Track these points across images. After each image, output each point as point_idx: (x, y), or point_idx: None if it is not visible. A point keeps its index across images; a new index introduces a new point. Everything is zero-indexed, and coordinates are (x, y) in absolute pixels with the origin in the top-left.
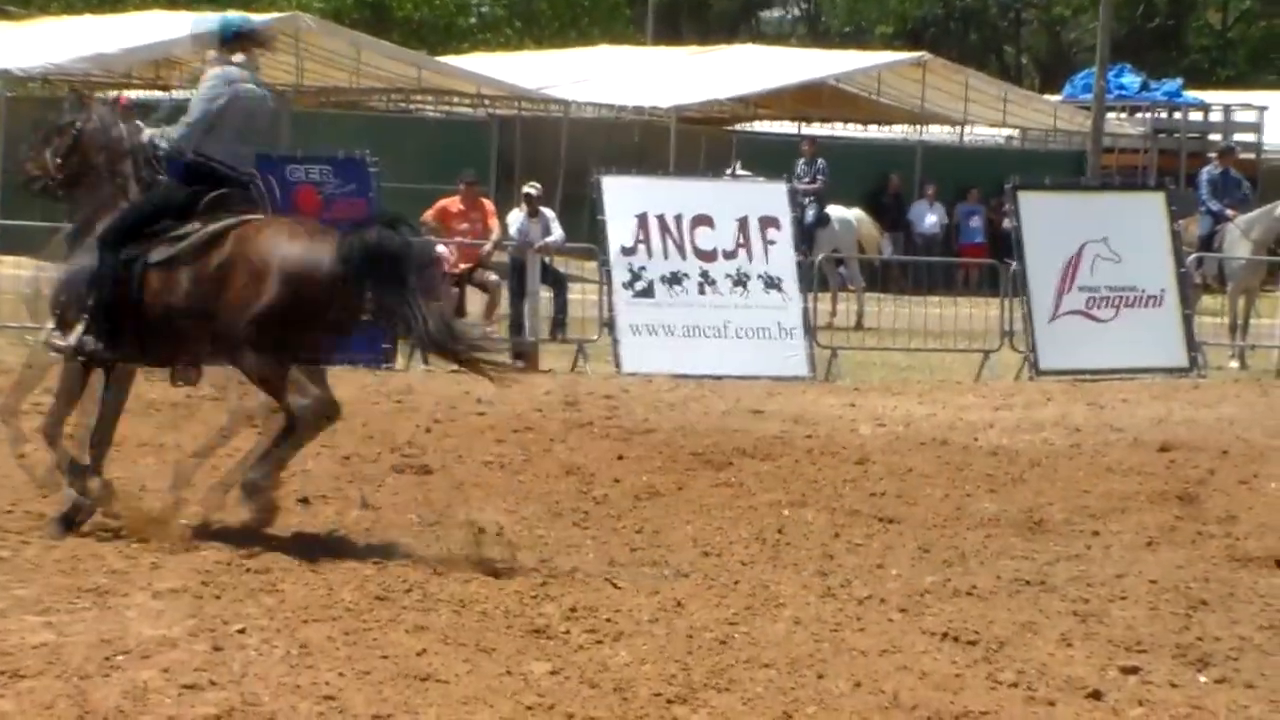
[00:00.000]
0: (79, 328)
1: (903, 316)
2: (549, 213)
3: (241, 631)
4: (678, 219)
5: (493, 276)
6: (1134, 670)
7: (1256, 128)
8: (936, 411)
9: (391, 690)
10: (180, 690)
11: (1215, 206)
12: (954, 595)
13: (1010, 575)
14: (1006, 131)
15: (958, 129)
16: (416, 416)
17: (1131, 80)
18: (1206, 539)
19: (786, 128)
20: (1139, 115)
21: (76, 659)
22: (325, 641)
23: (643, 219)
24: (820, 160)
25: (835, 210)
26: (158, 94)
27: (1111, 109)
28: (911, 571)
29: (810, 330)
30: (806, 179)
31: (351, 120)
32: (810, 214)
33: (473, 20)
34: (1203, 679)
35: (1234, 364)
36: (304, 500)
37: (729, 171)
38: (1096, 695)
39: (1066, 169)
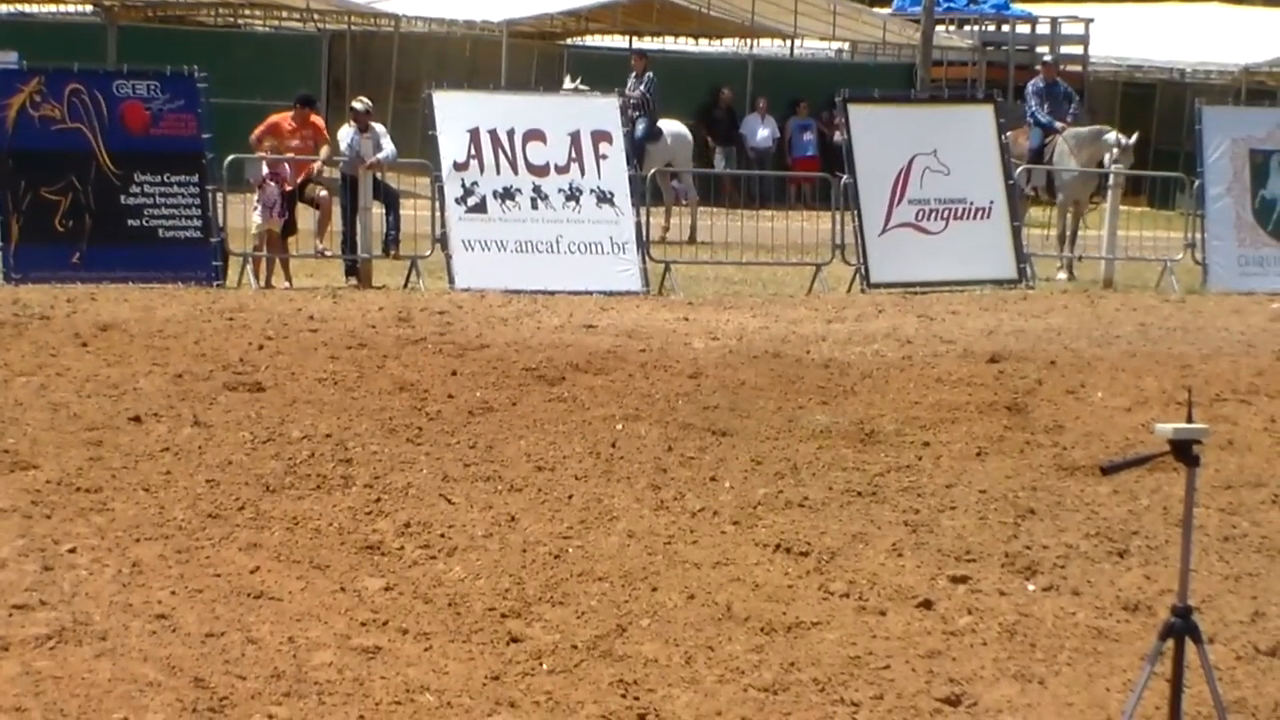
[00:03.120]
0: None
1: (735, 230)
2: (380, 128)
3: (72, 551)
4: (510, 134)
5: (324, 193)
6: (963, 579)
7: (1083, 40)
8: (769, 325)
9: (224, 608)
10: (10, 610)
11: (1044, 118)
12: (786, 507)
13: (842, 486)
14: (836, 45)
15: (788, 42)
16: (248, 334)
17: None
18: (1034, 449)
19: (618, 42)
20: (967, 28)
21: None
22: (157, 560)
23: (474, 134)
24: (650, 74)
25: (668, 124)
26: None
27: (940, 22)
28: (744, 484)
29: (643, 245)
30: (635, 93)
31: (179, 35)
32: (641, 128)
33: None
34: (1030, 587)
35: (1062, 275)
36: (135, 419)
37: (570, 86)
38: (927, 604)
39: (896, 82)
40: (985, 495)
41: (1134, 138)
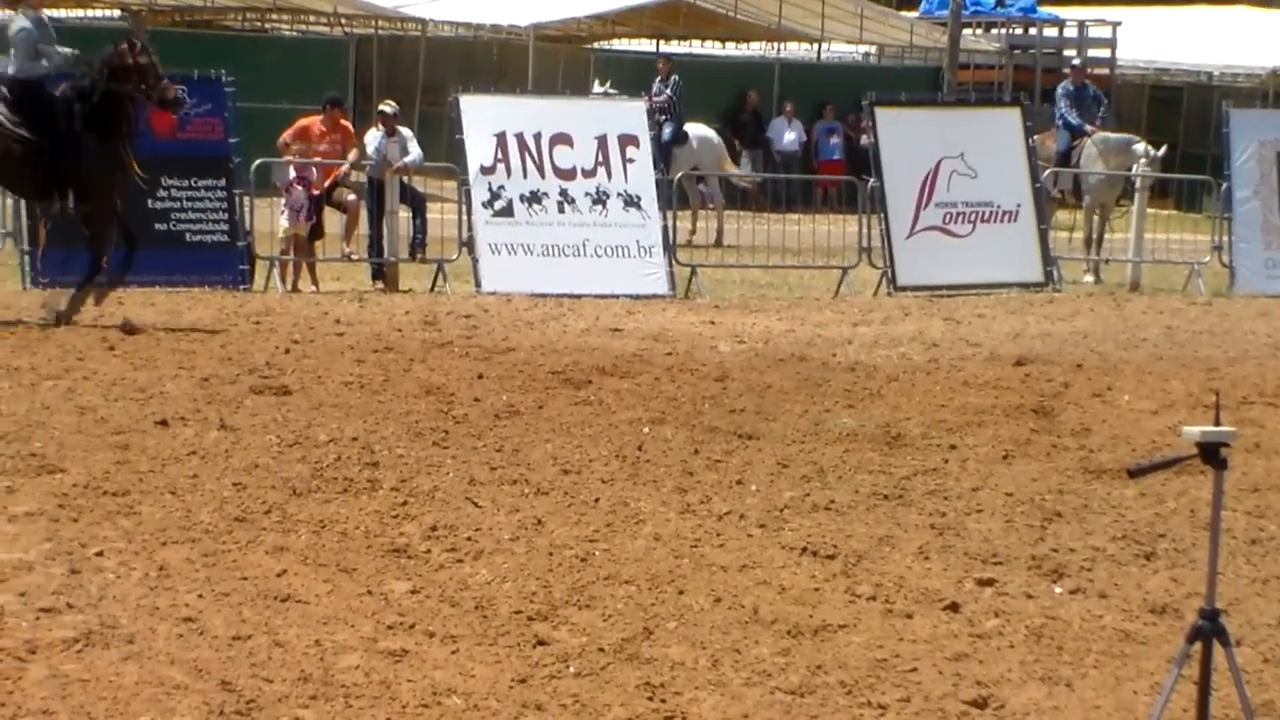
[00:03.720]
0: None
1: (761, 234)
2: (407, 132)
3: (99, 554)
4: (536, 137)
5: (351, 196)
6: (990, 582)
7: (1110, 43)
8: (795, 328)
9: (251, 611)
10: (37, 614)
11: (1074, 121)
12: (812, 510)
13: (868, 489)
14: (864, 48)
15: (815, 46)
16: (275, 337)
17: None
18: (1061, 451)
19: (645, 46)
20: (994, 31)
21: None
22: (184, 563)
23: (501, 138)
24: (675, 77)
25: (694, 128)
26: None
27: (967, 25)
28: (770, 487)
29: (670, 248)
30: (661, 97)
31: (206, 39)
32: (668, 131)
33: None
34: (1057, 590)
35: (1089, 278)
36: (162, 422)
37: (599, 91)
38: (953, 607)
39: (923, 85)
40: (1012, 498)
41: (1162, 149)
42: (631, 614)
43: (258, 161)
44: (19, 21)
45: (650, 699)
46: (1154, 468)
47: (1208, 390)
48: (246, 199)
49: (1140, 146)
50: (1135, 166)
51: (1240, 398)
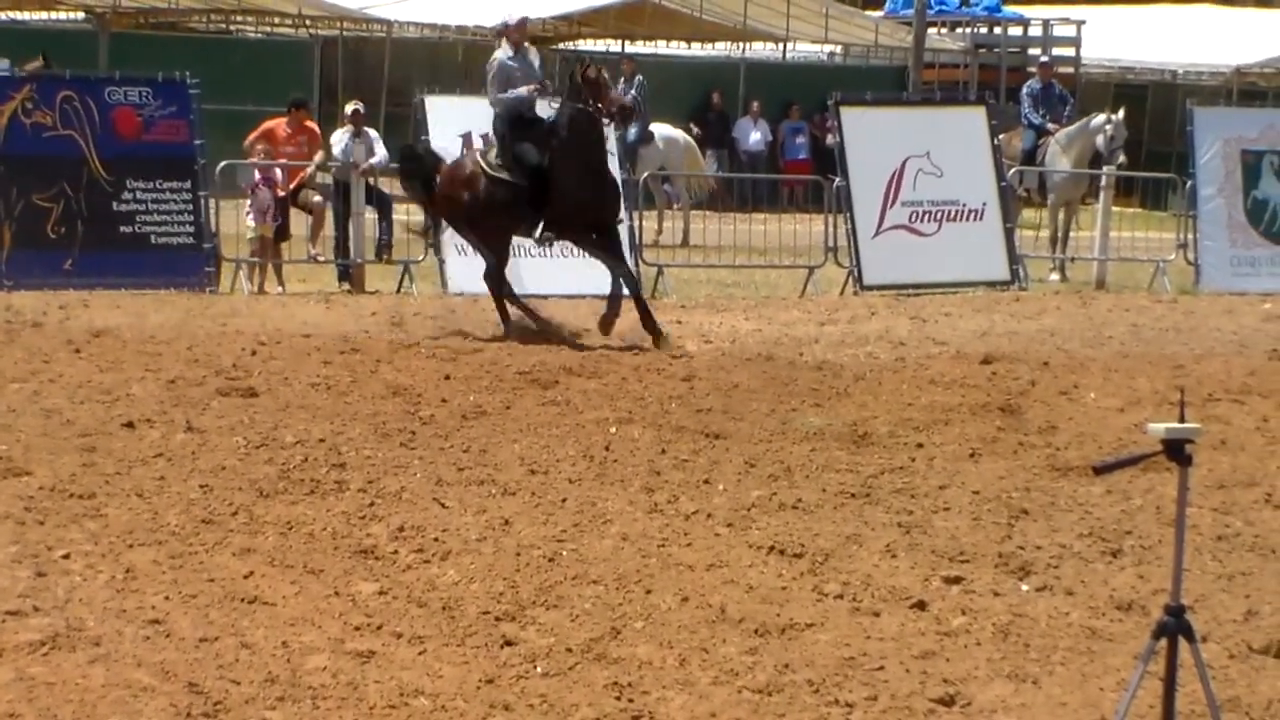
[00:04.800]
0: None
1: (728, 233)
2: (373, 133)
3: (65, 557)
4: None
5: (317, 198)
6: (957, 580)
7: (1075, 42)
8: (762, 327)
9: (218, 613)
10: (3, 617)
11: (1037, 120)
12: (780, 509)
13: (835, 488)
14: (829, 47)
15: (780, 45)
16: (241, 339)
17: None
18: (1028, 449)
19: (610, 46)
20: (959, 30)
21: None
22: (151, 565)
23: (467, 139)
24: (640, 78)
25: (660, 128)
26: None
27: (932, 24)
28: (737, 486)
29: (636, 248)
30: (626, 97)
31: (171, 42)
32: (633, 132)
33: None
34: (1024, 587)
35: (1054, 276)
36: (128, 424)
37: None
38: (921, 605)
39: (889, 84)
40: (979, 496)
41: (1121, 112)
42: (599, 614)
43: (223, 163)
44: (497, 54)
45: (618, 698)
46: (1119, 465)
47: (1174, 388)
48: (212, 201)
49: (1099, 119)
50: (1100, 138)
51: (1206, 395)
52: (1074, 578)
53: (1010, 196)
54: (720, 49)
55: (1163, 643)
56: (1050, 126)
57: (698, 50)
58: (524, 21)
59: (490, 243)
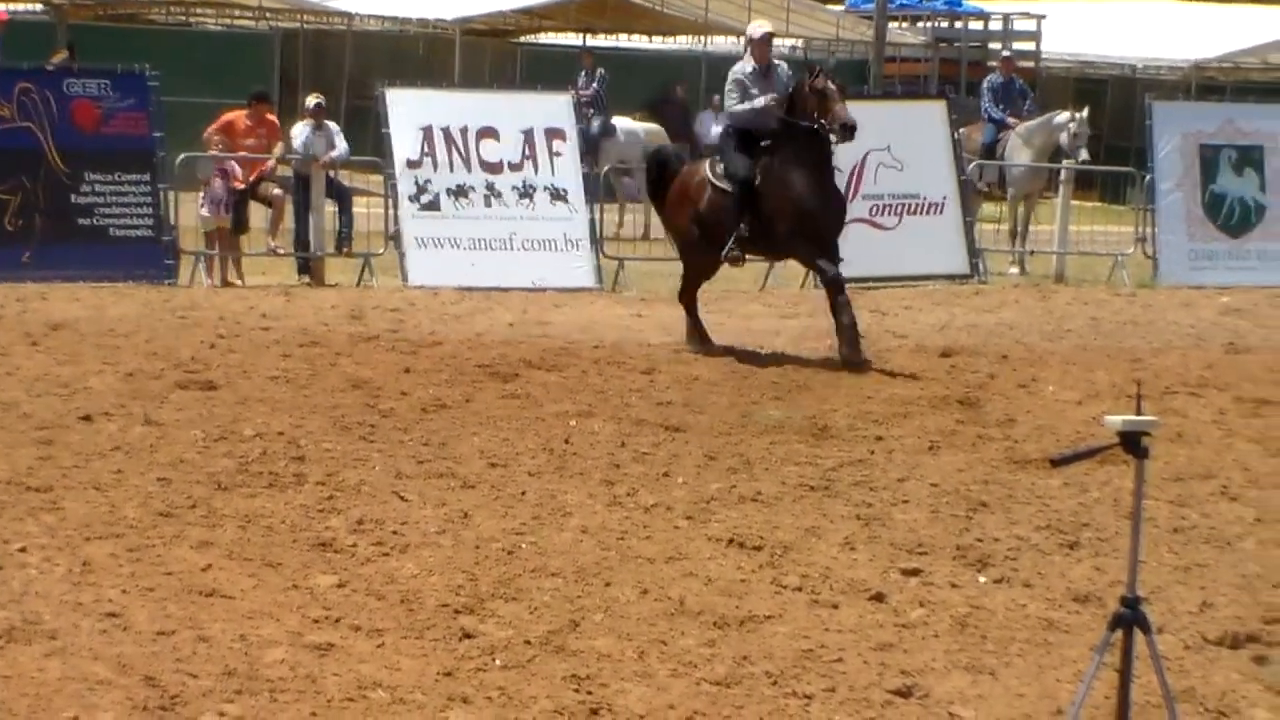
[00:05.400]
0: None
1: None
2: (333, 126)
3: (22, 550)
4: (463, 131)
5: (277, 190)
6: (915, 572)
7: (1035, 36)
8: (723, 321)
9: (176, 606)
10: None
11: (997, 114)
12: (739, 501)
13: (795, 481)
14: (790, 41)
15: (742, 39)
16: (200, 332)
17: None
18: (986, 442)
19: (571, 40)
20: (920, 24)
21: None
22: (108, 559)
23: (427, 131)
24: (601, 71)
25: (622, 122)
26: None
27: (893, 18)
28: (697, 479)
29: (597, 241)
30: (588, 91)
31: (131, 34)
32: (595, 125)
33: None
34: (982, 579)
35: (1014, 270)
36: (86, 417)
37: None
38: (879, 597)
39: (850, 78)
40: (937, 489)
41: (1085, 111)
42: (558, 606)
43: (182, 156)
44: (736, 66)
45: (576, 690)
46: (1076, 457)
47: (1132, 380)
48: (171, 194)
49: (1062, 117)
50: (1064, 136)
51: (1164, 388)
52: (1031, 570)
53: (970, 190)
54: (681, 43)
55: (1118, 634)
56: (1010, 120)
57: (659, 44)
58: (767, 38)
59: (689, 255)
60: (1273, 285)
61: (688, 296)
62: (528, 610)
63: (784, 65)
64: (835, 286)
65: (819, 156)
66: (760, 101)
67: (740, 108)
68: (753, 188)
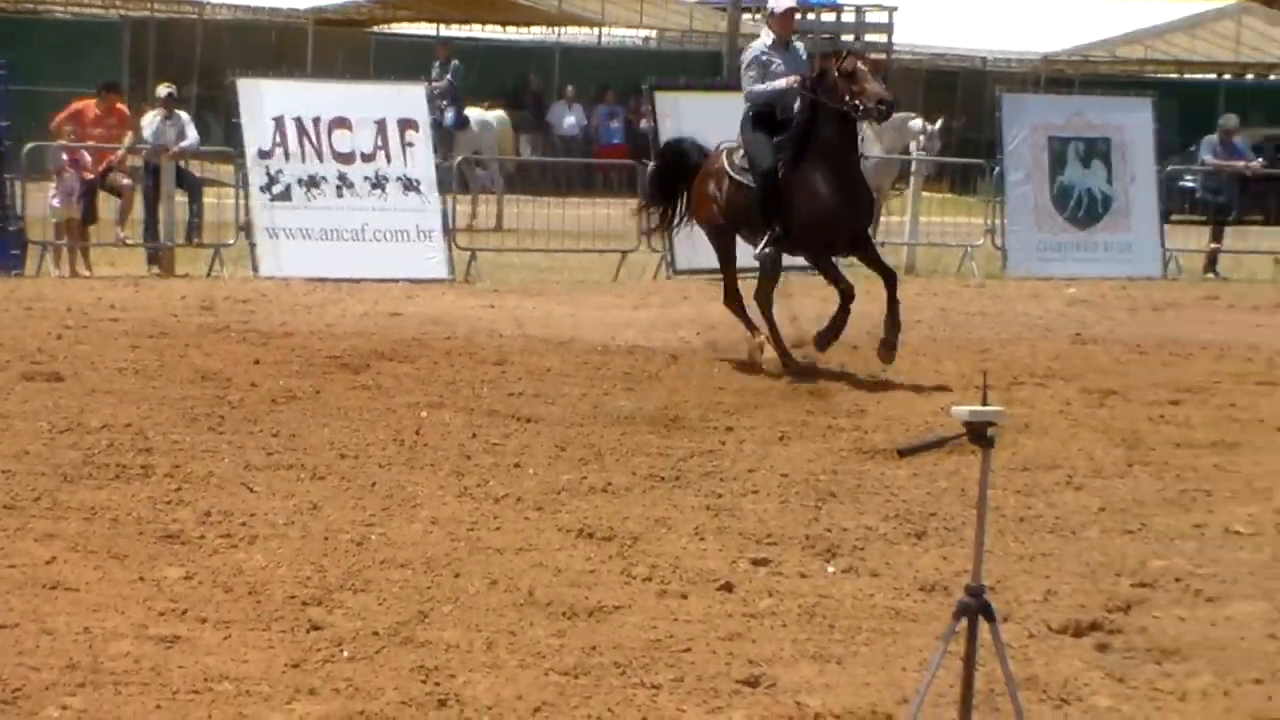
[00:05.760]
0: None
1: (542, 218)
2: (184, 115)
3: None
4: (315, 121)
5: (126, 181)
6: (764, 562)
7: (887, 28)
8: (575, 311)
9: (19, 599)
10: None
11: None
12: (590, 492)
13: (645, 471)
14: (644, 32)
15: (596, 30)
16: (47, 323)
17: None
18: (836, 432)
19: (426, 30)
20: None
21: None
22: None
23: (279, 121)
24: (455, 62)
25: (474, 113)
26: None
27: (746, 10)
28: (548, 470)
29: (449, 232)
30: (441, 82)
31: None
32: (449, 116)
33: None
34: (830, 569)
35: None
36: None
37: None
38: (728, 587)
39: (703, 69)
40: (787, 479)
41: (939, 124)
42: (407, 598)
43: (30, 145)
44: (755, 43)
45: (424, 682)
46: (923, 448)
47: (981, 371)
48: (18, 183)
49: (917, 123)
50: (913, 144)
51: (1012, 378)
52: (879, 559)
53: None
54: (536, 33)
55: (964, 623)
56: None
57: (513, 34)
58: (790, 12)
59: (723, 252)
60: (1119, 276)
61: (733, 300)
62: (376, 601)
63: (801, 45)
64: (895, 281)
65: (848, 143)
66: (784, 82)
67: (761, 88)
68: (777, 180)
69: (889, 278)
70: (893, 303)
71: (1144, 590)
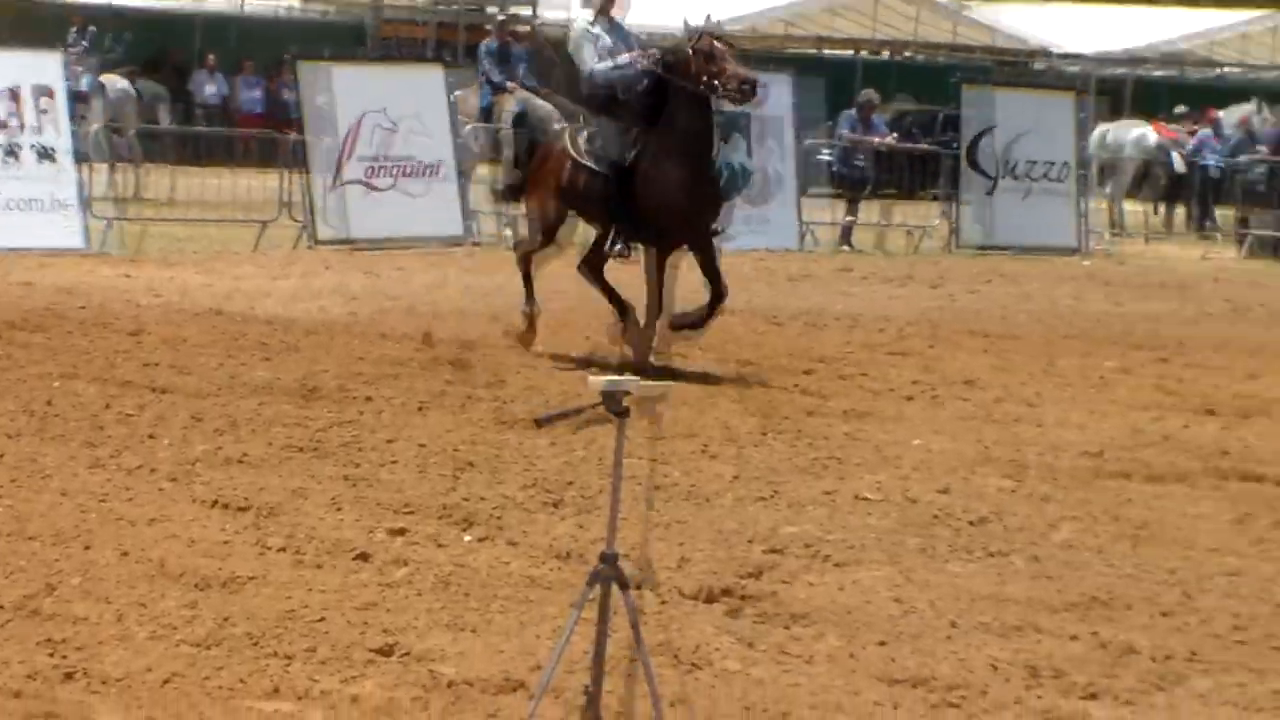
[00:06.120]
0: None
1: (181, 187)
2: None
3: None
4: None
5: None
6: (401, 532)
7: (532, 2)
8: (214, 282)
9: None
10: None
11: (497, 78)
12: (225, 463)
13: (282, 442)
14: (287, 2)
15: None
16: None
17: None
18: (475, 403)
19: None
20: None
21: None
22: None
23: None
24: (92, 28)
25: (112, 80)
26: None
27: None
28: (183, 441)
29: (85, 201)
30: (77, 49)
31: None
32: (85, 83)
33: None
34: (467, 538)
35: (509, 232)
36: None
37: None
38: (364, 557)
39: (348, 40)
40: (425, 449)
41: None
42: (34, 570)
43: None
44: (576, 23)
45: (51, 655)
46: (560, 417)
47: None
48: None
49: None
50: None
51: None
52: (516, 528)
53: (466, 153)
54: (176, 2)
55: (598, 590)
56: (508, 85)
57: (153, 2)
58: None
59: (538, 227)
60: (757, 249)
61: (525, 263)
62: (3, 575)
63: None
64: (719, 301)
65: (704, 129)
66: (626, 59)
67: (602, 66)
68: (625, 169)
69: (716, 295)
70: (708, 313)
71: (775, 556)
